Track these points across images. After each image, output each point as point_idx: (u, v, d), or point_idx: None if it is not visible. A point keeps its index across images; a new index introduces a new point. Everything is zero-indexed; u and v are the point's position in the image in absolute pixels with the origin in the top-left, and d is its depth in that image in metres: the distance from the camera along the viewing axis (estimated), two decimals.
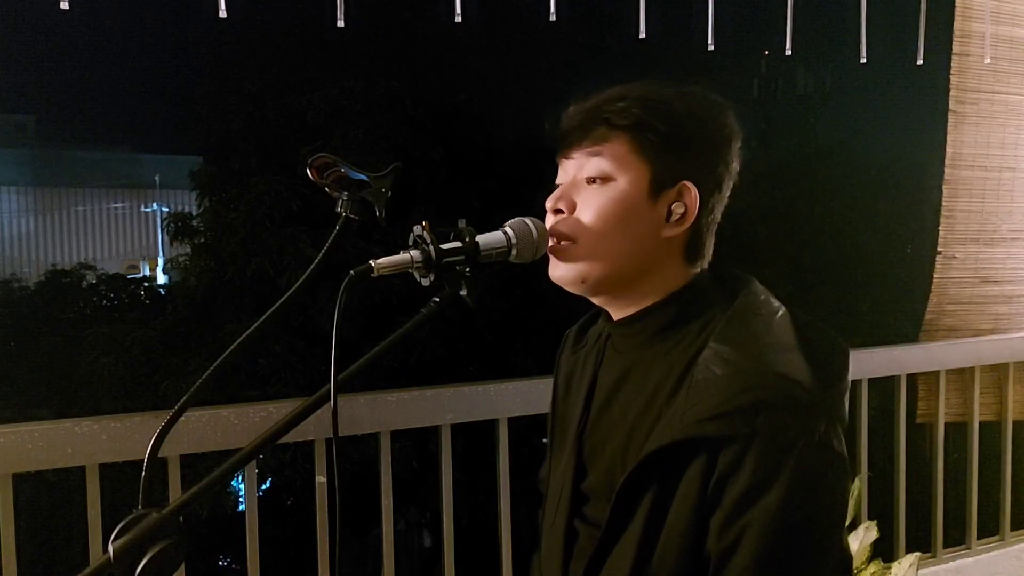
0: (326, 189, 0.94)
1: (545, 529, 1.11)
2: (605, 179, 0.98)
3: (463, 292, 0.95)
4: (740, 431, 0.86)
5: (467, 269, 0.95)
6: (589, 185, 0.99)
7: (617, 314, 1.05)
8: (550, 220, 1.02)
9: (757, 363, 0.91)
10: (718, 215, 1.03)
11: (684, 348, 0.97)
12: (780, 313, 0.98)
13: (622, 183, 0.98)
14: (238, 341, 0.88)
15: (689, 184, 0.98)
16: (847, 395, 0.96)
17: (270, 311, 0.90)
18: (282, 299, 0.91)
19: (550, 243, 1.01)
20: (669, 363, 0.97)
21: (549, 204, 1.02)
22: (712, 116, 1.00)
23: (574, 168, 1.01)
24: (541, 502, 1.23)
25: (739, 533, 0.86)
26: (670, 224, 0.99)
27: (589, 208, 0.99)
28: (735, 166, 1.03)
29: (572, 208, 1.00)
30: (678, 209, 0.98)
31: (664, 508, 0.91)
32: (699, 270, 1.03)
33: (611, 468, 0.99)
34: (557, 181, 1.04)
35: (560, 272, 1.02)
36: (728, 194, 1.03)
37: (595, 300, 1.06)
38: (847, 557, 0.90)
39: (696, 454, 0.88)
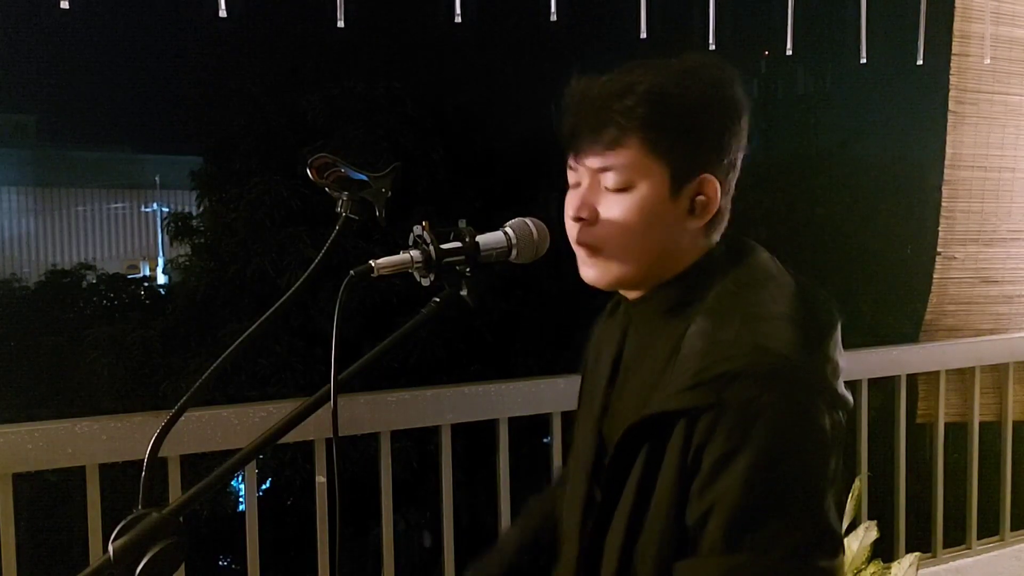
0: (326, 189, 0.94)
1: (567, 493, 1.12)
2: (625, 187, 0.97)
3: (463, 292, 0.95)
4: (711, 402, 0.87)
5: (467, 269, 0.95)
6: (607, 192, 0.98)
7: (632, 294, 1.05)
8: (572, 228, 1.01)
9: (733, 334, 0.91)
10: (732, 191, 1.03)
11: (683, 322, 0.98)
12: (778, 282, 0.98)
13: (643, 188, 0.97)
14: (238, 342, 0.88)
15: (708, 176, 0.98)
16: (833, 368, 0.94)
17: (270, 311, 0.90)
18: (282, 299, 0.91)
19: (577, 249, 1.01)
20: (674, 338, 0.98)
21: (570, 213, 1.00)
22: (720, 97, 0.99)
23: (590, 175, 0.99)
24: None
25: (711, 502, 0.87)
26: (695, 216, 0.99)
27: (614, 217, 0.98)
28: (745, 136, 1.02)
29: (595, 216, 0.99)
30: (701, 201, 0.98)
31: (652, 479, 0.92)
32: (713, 243, 1.03)
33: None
34: (571, 184, 1.02)
35: (593, 276, 1.01)
36: (739, 169, 1.03)
37: (623, 291, 1.07)
38: (832, 533, 0.89)
39: (674, 424, 0.90)
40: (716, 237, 1.03)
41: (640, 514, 0.93)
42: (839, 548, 0.91)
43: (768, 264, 1.01)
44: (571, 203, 1.01)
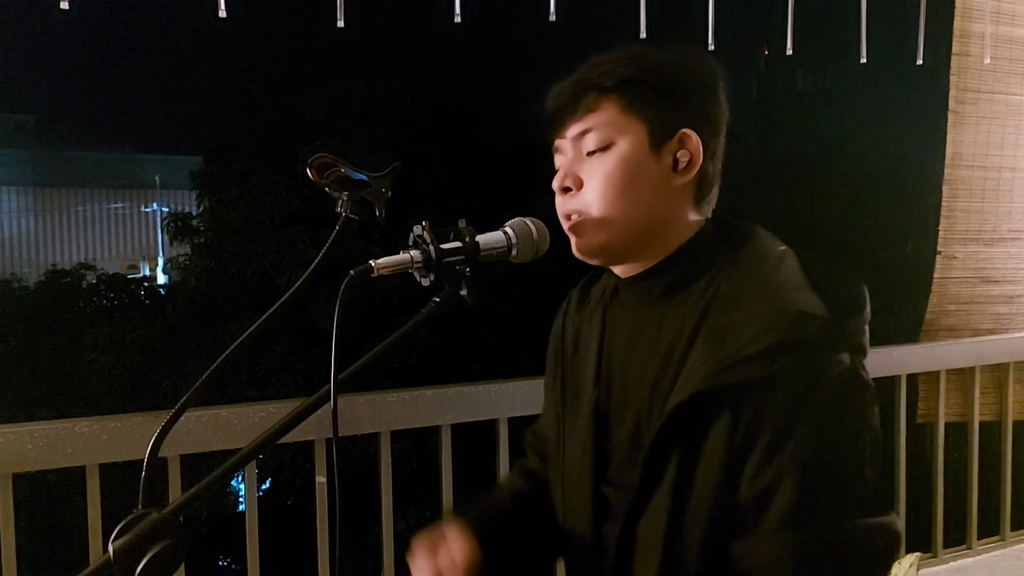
0: (326, 189, 0.93)
1: (568, 491, 1.08)
2: (605, 147, 0.98)
3: (463, 292, 0.95)
4: (763, 374, 0.86)
5: (467, 269, 0.95)
6: (591, 157, 0.99)
7: (625, 273, 1.04)
8: (559, 200, 1.02)
9: (771, 304, 0.91)
10: (720, 159, 1.03)
11: (695, 301, 0.97)
12: (787, 256, 0.99)
13: (623, 145, 0.98)
14: (238, 342, 0.88)
15: (689, 131, 0.98)
16: (867, 326, 0.96)
17: (270, 311, 0.90)
18: (282, 299, 0.91)
19: (564, 223, 1.01)
20: (681, 317, 0.97)
21: (556, 184, 1.02)
22: (694, 62, 1.01)
23: (571, 145, 1.01)
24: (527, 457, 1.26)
25: (776, 475, 0.86)
26: (679, 173, 0.99)
27: (596, 178, 0.98)
28: (724, 108, 1.03)
29: (579, 184, 1.00)
30: (683, 157, 0.98)
31: (693, 461, 0.90)
32: (704, 220, 1.03)
33: (636, 429, 0.98)
34: (557, 164, 1.03)
35: (582, 246, 1.01)
36: (724, 138, 1.04)
37: (613, 267, 1.06)
38: (882, 487, 0.91)
39: (720, 403, 0.88)
40: (707, 211, 1.03)
41: (682, 502, 0.91)
42: (889, 501, 0.92)
43: (771, 240, 1.01)
44: (557, 176, 1.02)
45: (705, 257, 1.00)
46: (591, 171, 0.99)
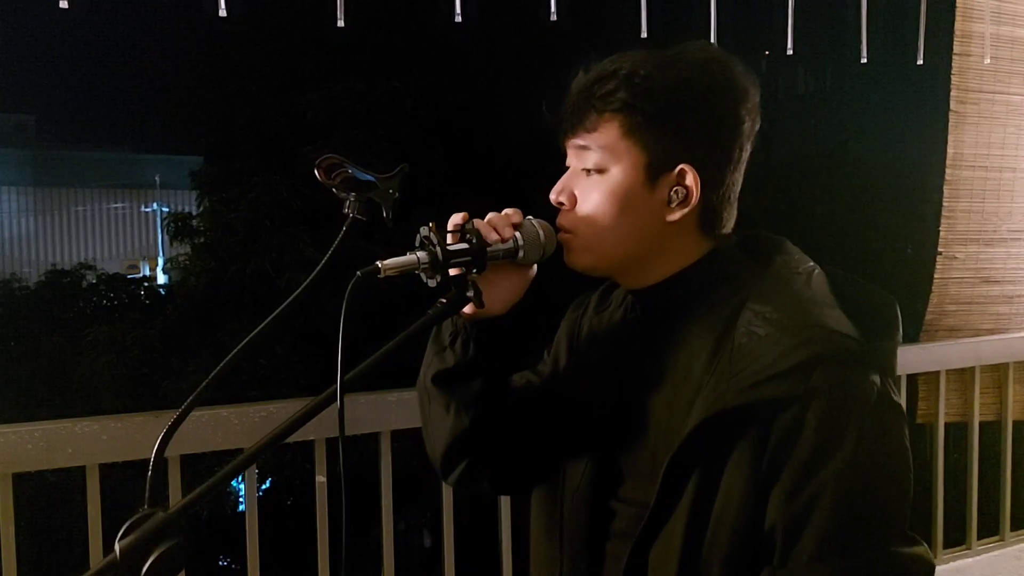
0: (333, 190, 0.93)
1: (566, 501, 1.02)
2: (600, 170, 0.96)
3: (469, 294, 0.95)
4: (797, 391, 0.83)
5: (474, 271, 0.94)
6: (587, 176, 0.97)
7: (630, 285, 1.02)
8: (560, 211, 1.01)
9: (804, 319, 0.88)
10: (737, 183, 0.98)
11: (717, 313, 0.94)
12: (816, 271, 0.96)
13: (616, 173, 0.95)
14: (243, 343, 0.87)
15: (687, 167, 0.93)
16: (897, 348, 0.93)
17: (276, 312, 0.89)
18: (288, 300, 0.90)
19: (560, 236, 1.00)
20: (702, 330, 0.94)
21: (552, 197, 1.00)
22: (712, 81, 0.94)
23: (573, 156, 0.99)
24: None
25: (812, 497, 0.82)
26: (673, 208, 0.95)
27: (587, 202, 0.97)
28: (747, 127, 0.97)
29: (573, 201, 0.99)
30: (678, 194, 0.94)
31: (714, 481, 0.86)
32: (721, 237, 0.99)
33: (654, 444, 0.94)
34: (567, 164, 1.02)
35: (570, 262, 1.00)
36: (747, 158, 0.98)
37: (614, 279, 1.05)
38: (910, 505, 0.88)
39: (748, 420, 0.85)
40: (717, 236, 0.99)
41: (700, 523, 0.87)
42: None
43: (800, 255, 0.99)
44: (554, 188, 1.00)
45: (724, 271, 0.97)
46: (585, 191, 0.97)
